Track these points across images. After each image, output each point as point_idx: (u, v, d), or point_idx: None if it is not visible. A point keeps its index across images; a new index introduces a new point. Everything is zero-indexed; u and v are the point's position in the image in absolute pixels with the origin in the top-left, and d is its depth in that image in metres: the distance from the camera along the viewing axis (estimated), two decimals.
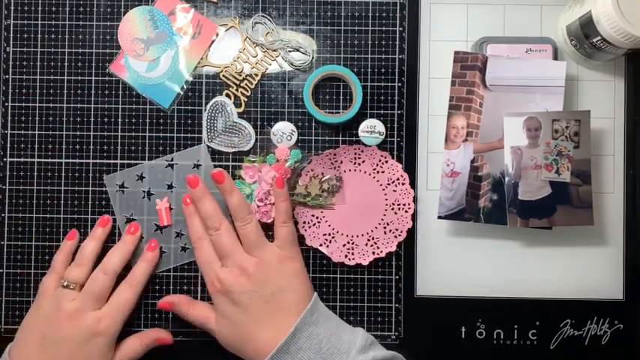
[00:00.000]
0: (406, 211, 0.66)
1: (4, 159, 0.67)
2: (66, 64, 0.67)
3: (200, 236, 0.64)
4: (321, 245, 0.66)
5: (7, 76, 0.67)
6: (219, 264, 0.62)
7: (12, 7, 0.68)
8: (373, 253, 0.66)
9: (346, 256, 0.66)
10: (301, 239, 0.67)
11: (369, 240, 0.66)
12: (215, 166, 0.66)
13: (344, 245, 0.66)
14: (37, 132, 0.67)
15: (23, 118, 0.67)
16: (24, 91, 0.67)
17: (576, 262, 0.67)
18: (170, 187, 0.67)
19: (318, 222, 0.66)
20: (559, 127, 0.62)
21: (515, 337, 0.67)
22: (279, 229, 0.63)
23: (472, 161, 0.64)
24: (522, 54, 0.65)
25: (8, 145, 0.67)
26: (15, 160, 0.67)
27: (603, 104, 0.68)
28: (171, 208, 0.67)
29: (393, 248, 0.66)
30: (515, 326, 0.67)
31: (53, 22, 0.68)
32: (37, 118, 0.67)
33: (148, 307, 0.67)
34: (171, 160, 0.67)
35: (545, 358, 0.67)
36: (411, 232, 0.67)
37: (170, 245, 0.67)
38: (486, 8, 0.68)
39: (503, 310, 0.67)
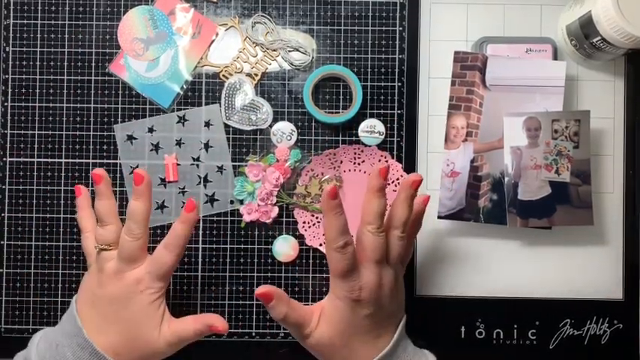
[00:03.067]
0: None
1: (4, 159, 0.67)
2: (66, 64, 0.67)
3: (344, 242, 0.56)
4: (321, 245, 0.66)
5: (7, 76, 0.67)
6: (358, 272, 0.56)
7: (12, 7, 0.67)
8: None
9: None
10: (301, 238, 0.67)
11: None
12: (229, 148, 0.66)
13: None
14: (37, 132, 0.67)
15: (23, 118, 0.67)
16: (24, 91, 0.67)
17: (576, 262, 0.67)
18: (179, 143, 0.67)
19: (318, 222, 0.66)
20: (559, 127, 0.62)
21: (515, 337, 0.67)
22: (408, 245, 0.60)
23: (472, 161, 0.64)
24: (522, 54, 0.65)
25: (8, 145, 0.67)
26: (15, 160, 0.67)
27: (603, 104, 0.68)
28: (178, 164, 0.66)
29: None
30: (515, 326, 0.67)
31: (53, 22, 0.68)
32: (37, 118, 0.67)
33: None
34: (183, 116, 0.67)
35: (544, 358, 0.67)
36: None
37: (172, 202, 0.67)
38: (486, 8, 0.68)
39: (502, 310, 0.67)
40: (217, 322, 0.60)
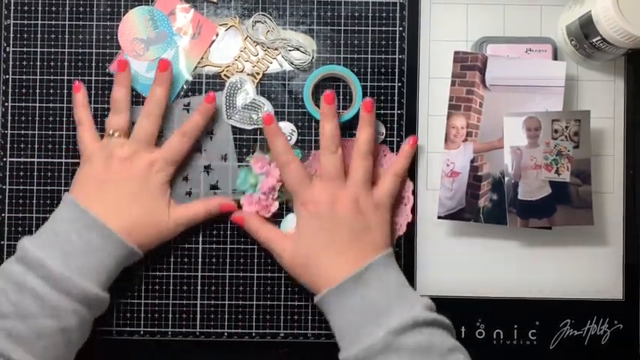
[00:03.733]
0: (405, 204, 0.66)
1: (4, 159, 0.67)
2: (66, 64, 0.67)
3: (289, 158, 0.63)
4: None
5: (7, 76, 0.67)
6: (311, 183, 0.63)
7: (12, 7, 0.68)
8: None
9: None
10: None
11: None
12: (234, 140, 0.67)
13: None
14: (37, 132, 0.67)
15: (23, 118, 0.67)
16: (24, 91, 0.67)
17: (576, 262, 0.67)
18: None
19: None
20: (559, 127, 0.62)
21: (515, 337, 0.67)
22: (388, 178, 0.64)
23: (472, 161, 0.64)
24: (522, 54, 0.65)
25: (8, 145, 0.67)
26: (15, 160, 0.67)
27: (603, 104, 0.68)
28: None
29: (393, 242, 0.66)
30: (515, 326, 0.67)
31: (53, 22, 0.68)
32: (37, 118, 0.67)
33: (148, 307, 0.67)
34: (188, 104, 0.67)
35: (544, 358, 0.67)
36: (411, 232, 0.67)
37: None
38: (486, 8, 0.68)
39: (502, 310, 0.67)
40: (225, 200, 0.65)
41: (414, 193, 0.67)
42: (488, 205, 0.64)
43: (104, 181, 0.61)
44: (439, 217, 0.64)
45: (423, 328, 0.56)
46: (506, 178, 0.63)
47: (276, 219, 0.66)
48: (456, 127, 0.64)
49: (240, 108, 0.65)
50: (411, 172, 0.67)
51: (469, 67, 0.64)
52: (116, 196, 0.61)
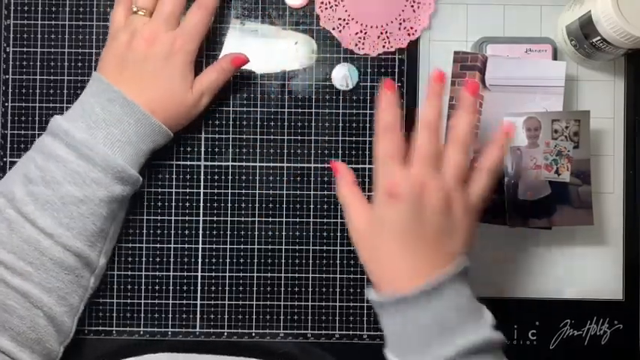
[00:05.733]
0: (425, 10, 0.67)
1: (4, 159, 0.67)
2: (66, 64, 0.68)
3: (391, 125, 0.56)
4: (333, 29, 0.67)
5: (7, 76, 0.67)
6: (401, 166, 0.54)
7: (12, 7, 0.68)
8: (383, 46, 0.67)
9: (356, 44, 0.67)
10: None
11: (382, 33, 0.67)
12: None
13: (356, 33, 0.67)
14: (37, 132, 0.67)
15: (23, 118, 0.67)
16: (24, 91, 0.67)
17: (576, 262, 0.67)
18: None
19: (336, 5, 0.67)
20: (559, 127, 0.62)
21: (515, 337, 0.67)
22: (482, 175, 0.56)
23: (472, 161, 0.64)
24: (522, 54, 0.65)
25: (8, 145, 0.67)
26: (15, 160, 0.67)
27: (603, 104, 0.68)
28: None
29: (404, 45, 0.66)
30: (515, 326, 0.67)
31: (53, 22, 0.68)
32: (37, 118, 0.67)
33: (148, 307, 0.67)
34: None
35: (544, 358, 0.67)
36: None
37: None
38: (486, 8, 0.68)
39: (502, 310, 0.67)
40: (235, 54, 0.65)
41: None
42: (489, 205, 0.64)
43: (125, 59, 0.61)
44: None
45: (491, 350, 0.53)
46: (506, 179, 0.63)
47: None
48: None
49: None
50: None
51: (469, 67, 0.64)
52: (139, 74, 0.61)
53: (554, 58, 0.66)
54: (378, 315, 0.56)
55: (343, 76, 0.66)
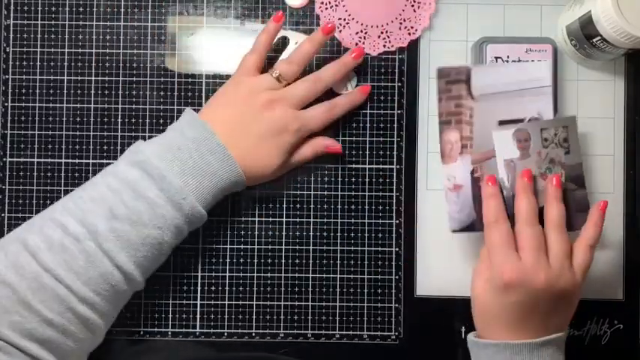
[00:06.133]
0: (425, 10, 0.67)
1: (4, 159, 0.67)
2: (66, 64, 0.68)
3: (500, 217, 0.59)
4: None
5: (7, 76, 0.67)
6: (515, 254, 0.58)
7: (12, 7, 0.68)
8: (384, 46, 0.67)
9: (356, 44, 0.67)
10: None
11: (382, 32, 0.67)
12: None
13: (356, 33, 0.67)
14: (37, 132, 0.67)
15: (23, 118, 0.67)
16: (24, 91, 0.67)
17: None
18: None
19: (336, 5, 0.67)
20: (548, 136, 0.62)
21: None
22: (584, 251, 0.59)
23: (472, 172, 0.64)
24: (522, 54, 0.65)
25: (8, 145, 0.67)
26: (15, 160, 0.67)
27: (603, 104, 0.68)
28: None
29: (405, 44, 0.66)
30: None
31: (53, 22, 0.68)
32: (37, 118, 0.67)
33: (148, 307, 0.67)
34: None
35: None
36: (411, 232, 0.67)
37: None
38: (486, 8, 0.68)
39: None
40: (330, 142, 0.64)
41: (415, 192, 0.67)
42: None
43: (241, 111, 0.60)
44: (453, 231, 0.64)
45: None
46: (504, 191, 0.63)
47: None
48: (450, 142, 0.64)
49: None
50: (412, 172, 0.67)
51: (454, 81, 0.64)
52: (245, 131, 0.60)
53: (555, 57, 0.65)
54: (474, 358, 0.60)
55: (342, 80, 0.66)
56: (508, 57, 0.64)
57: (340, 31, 0.67)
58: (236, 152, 0.59)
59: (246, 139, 0.60)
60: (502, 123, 0.63)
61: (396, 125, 0.67)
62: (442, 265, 0.67)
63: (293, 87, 0.62)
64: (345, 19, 0.67)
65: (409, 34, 0.67)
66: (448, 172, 0.64)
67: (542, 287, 0.56)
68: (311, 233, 0.67)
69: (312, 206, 0.67)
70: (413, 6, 0.67)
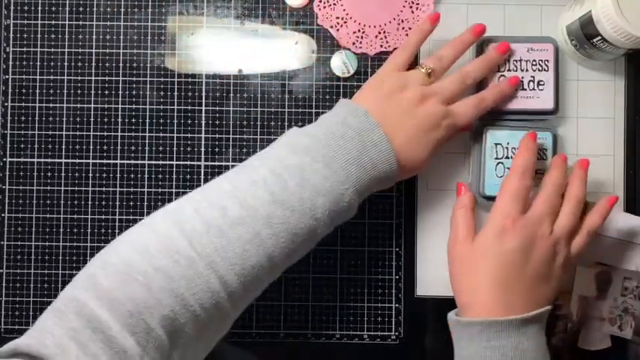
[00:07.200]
0: (424, 11, 0.67)
1: (4, 159, 0.67)
2: (66, 64, 0.67)
3: (529, 169, 0.59)
4: (331, 27, 0.67)
5: (7, 76, 0.67)
6: (524, 208, 0.58)
7: (12, 7, 0.68)
8: (381, 46, 0.67)
9: (354, 43, 0.67)
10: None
11: (379, 32, 0.67)
12: None
13: (354, 32, 0.67)
14: (37, 132, 0.67)
15: (23, 118, 0.67)
16: (24, 91, 0.67)
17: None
18: None
19: (334, 4, 0.67)
20: (629, 285, 0.64)
21: None
22: (584, 236, 0.60)
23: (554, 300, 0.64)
24: (524, 53, 0.65)
25: (8, 145, 0.67)
26: (15, 160, 0.67)
27: (603, 104, 0.68)
28: None
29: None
30: None
31: (53, 22, 0.68)
32: (37, 118, 0.67)
33: None
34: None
35: None
36: (411, 231, 0.67)
37: None
38: (486, 8, 0.68)
39: None
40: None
41: (415, 192, 0.67)
42: (559, 344, 0.65)
43: (396, 105, 0.58)
44: None
45: None
46: (568, 325, 0.64)
47: None
48: None
49: None
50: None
51: None
52: (401, 124, 0.58)
53: (556, 57, 0.65)
54: (457, 338, 0.58)
55: (342, 62, 0.66)
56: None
57: (338, 30, 0.67)
58: (396, 145, 0.57)
59: (403, 133, 0.58)
60: (599, 264, 0.65)
61: None
62: (442, 265, 0.67)
63: (443, 83, 0.61)
64: (342, 18, 0.67)
65: (407, 34, 0.67)
66: None
67: (538, 249, 0.57)
68: None
69: None
70: (411, 7, 0.67)
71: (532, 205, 0.59)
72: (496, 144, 0.64)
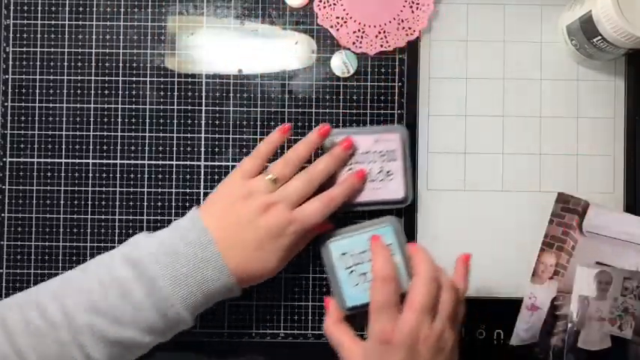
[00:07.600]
0: (424, 11, 0.66)
1: (4, 159, 0.67)
2: (66, 64, 0.67)
3: (389, 276, 0.58)
4: (331, 27, 0.67)
5: (7, 76, 0.67)
6: (396, 315, 0.56)
7: (12, 7, 0.68)
8: (381, 45, 0.67)
9: (354, 43, 0.67)
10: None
11: (379, 32, 0.67)
12: None
13: (354, 32, 0.67)
14: (37, 132, 0.67)
15: (23, 118, 0.67)
16: (24, 91, 0.67)
17: None
18: None
19: (334, 3, 0.67)
20: (629, 286, 0.64)
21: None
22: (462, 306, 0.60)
23: (553, 299, 0.65)
24: (371, 144, 0.64)
25: (8, 145, 0.67)
26: (15, 160, 0.67)
27: (603, 104, 0.68)
28: None
29: (402, 45, 0.66)
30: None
31: (53, 22, 0.68)
32: (37, 118, 0.67)
33: None
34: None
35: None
36: (412, 232, 0.67)
37: None
38: (486, 8, 0.68)
39: (503, 310, 0.67)
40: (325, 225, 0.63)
41: (415, 192, 0.67)
42: (559, 344, 0.65)
43: (237, 217, 0.59)
44: (510, 346, 0.65)
45: None
46: (569, 325, 0.64)
47: None
48: (544, 264, 0.65)
49: None
50: (412, 172, 0.67)
51: (569, 209, 0.65)
52: (241, 238, 0.59)
53: (404, 146, 0.64)
54: None
55: (342, 62, 0.66)
56: (610, 209, 0.65)
57: (338, 29, 0.67)
58: (232, 260, 0.58)
59: (243, 246, 0.59)
60: (599, 264, 0.65)
61: (396, 125, 0.67)
62: (442, 266, 0.67)
63: (288, 187, 0.61)
64: (342, 18, 0.67)
65: (407, 34, 0.67)
66: (532, 291, 0.65)
67: (423, 350, 0.55)
68: None
69: None
70: (411, 7, 0.67)
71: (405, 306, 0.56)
72: (342, 254, 0.62)
